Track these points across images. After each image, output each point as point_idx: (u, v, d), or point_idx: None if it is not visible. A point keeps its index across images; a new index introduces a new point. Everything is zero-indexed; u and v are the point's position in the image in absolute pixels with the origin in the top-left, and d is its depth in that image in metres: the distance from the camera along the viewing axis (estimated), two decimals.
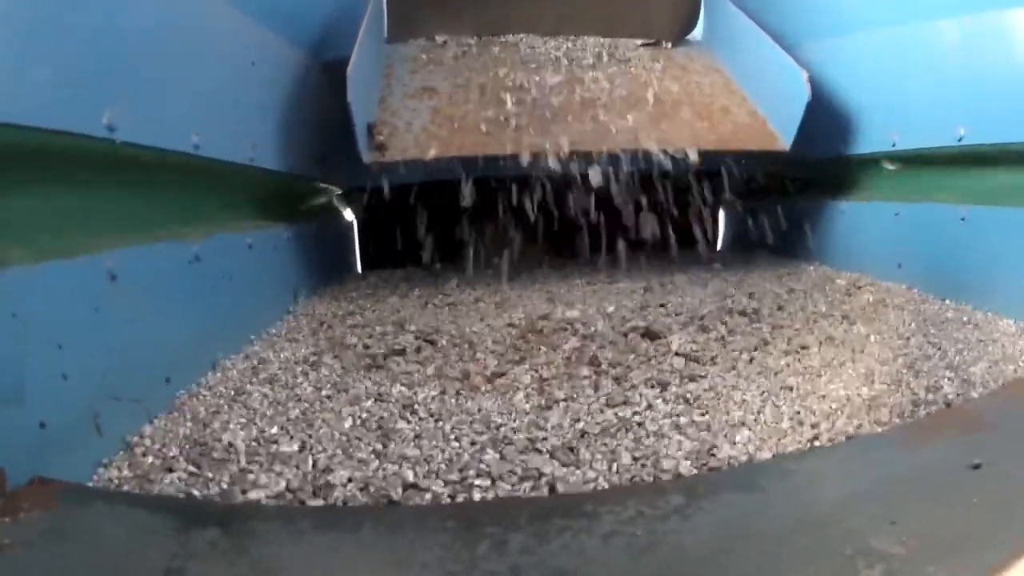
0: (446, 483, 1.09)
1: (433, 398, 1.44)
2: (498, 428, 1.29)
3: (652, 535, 0.83)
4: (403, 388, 1.50)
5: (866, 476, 1.03)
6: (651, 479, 1.09)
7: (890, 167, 2.42)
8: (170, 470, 1.11)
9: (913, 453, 1.09)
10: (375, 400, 1.43)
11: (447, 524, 0.91)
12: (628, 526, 0.85)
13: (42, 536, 0.84)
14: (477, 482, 1.09)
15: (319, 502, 1.05)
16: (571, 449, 1.19)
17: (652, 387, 1.48)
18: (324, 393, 1.47)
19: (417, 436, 1.26)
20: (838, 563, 0.73)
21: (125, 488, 1.06)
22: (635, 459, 1.15)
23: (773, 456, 1.15)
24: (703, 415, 1.32)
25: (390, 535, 0.90)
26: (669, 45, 3.08)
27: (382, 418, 1.34)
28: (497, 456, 1.17)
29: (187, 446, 1.20)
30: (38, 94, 1.07)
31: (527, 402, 1.41)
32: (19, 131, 1.02)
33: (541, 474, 1.11)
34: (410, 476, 1.10)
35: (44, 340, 1.02)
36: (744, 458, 1.15)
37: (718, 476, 1.07)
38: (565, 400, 1.42)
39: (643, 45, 3.05)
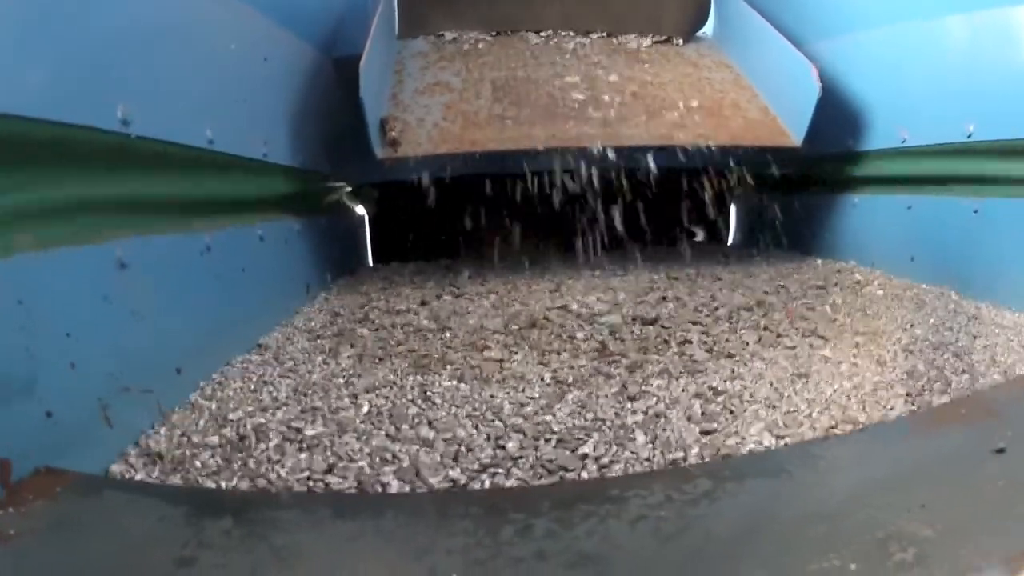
0: (463, 471, 1.09)
1: (447, 387, 1.44)
2: (512, 416, 1.28)
3: (681, 519, 0.82)
4: (417, 377, 1.50)
5: (889, 462, 1.01)
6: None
7: None
8: (181, 461, 1.10)
9: (932, 440, 1.08)
10: (390, 388, 1.43)
11: (470, 510, 0.90)
12: (656, 511, 0.84)
13: (48, 526, 0.83)
14: (493, 470, 1.09)
15: (339, 488, 1.04)
16: (585, 438, 1.18)
17: (665, 378, 1.47)
18: (340, 382, 1.47)
19: (432, 423, 1.26)
20: (871, 546, 0.72)
21: (136, 479, 1.05)
22: (651, 448, 1.14)
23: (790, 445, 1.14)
24: (718, 405, 1.31)
25: (412, 522, 0.89)
26: (680, 41, 3.07)
27: (397, 406, 1.34)
28: (512, 444, 1.17)
29: (199, 436, 1.19)
30: (53, 87, 1.07)
31: (540, 391, 1.40)
32: (33, 124, 1.02)
33: (556, 463, 1.10)
34: (427, 462, 1.10)
35: (52, 328, 1.01)
36: (760, 448, 1.14)
37: (743, 462, 1.06)
38: (578, 390, 1.41)
39: (655, 43, 3.04)
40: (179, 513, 0.89)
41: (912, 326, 1.77)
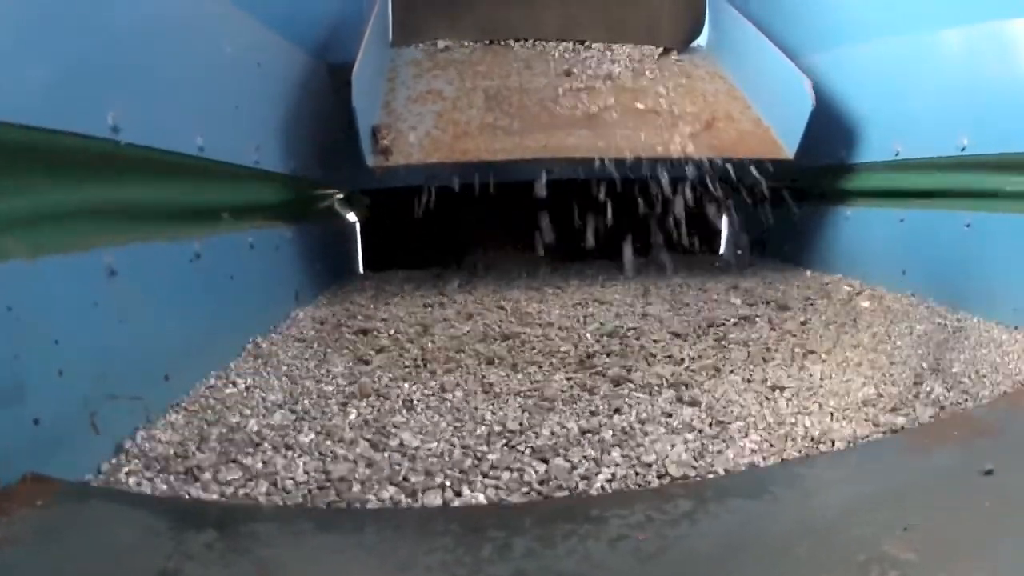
0: (446, 476, 1.09)
1: (431, 396, 1.44)
2: (493, 428, 1.28)
3: (661, 540, 0.82)
4: (404, 385, 1.50)
5: (874, 482, 1.01)
6: (649, 484, 1.08)
7: None
8: (167, 468, 1.09)
9: (920, 459, 1.08)
10: (376, 396, 1.43)
11: (450, 527, 0.89)
12: (635, 531, 0.83)
13: (34, 534, 0.83)
14: (476, 482, 1.08)
15: (323, 500, 1.03)
16: (565, 451, 1.17)
17: (650, 392, 1.46)
18: (328, 389, 1.47)
19: (416, 434, 1.25)
20: (851, 569, 0.72)
21: (121, 487, 1.05)
22: (634, 464, 1.13)
23: (777, 462, 1.14)
24: (703, 420, 1.31)
25: (393, 537, 0.89)
26: (675, 52, 3.08)
27: (382, 414, 1.34)
28: (495, 457, 1.16)
29: (186, 443, 1.18)
30: (43, 94, 1.06)
31: (522, 403, 1.40)
32: (23, 130, 1.01)
33: (535, 476, 1.10)
34: (410, 474, 1.10)
35: (40, 335, 1.01)
36: (746, 464, 1.14)
37: (726, 481, 1.06)
38: (562, 402, 1.40)
39: (649, 53, 3.05)
40: (163, 524, 0.89)
41: (902, 341, 1.77)
